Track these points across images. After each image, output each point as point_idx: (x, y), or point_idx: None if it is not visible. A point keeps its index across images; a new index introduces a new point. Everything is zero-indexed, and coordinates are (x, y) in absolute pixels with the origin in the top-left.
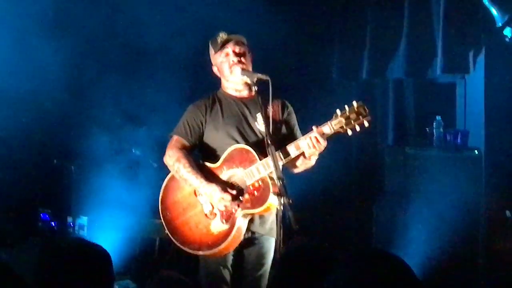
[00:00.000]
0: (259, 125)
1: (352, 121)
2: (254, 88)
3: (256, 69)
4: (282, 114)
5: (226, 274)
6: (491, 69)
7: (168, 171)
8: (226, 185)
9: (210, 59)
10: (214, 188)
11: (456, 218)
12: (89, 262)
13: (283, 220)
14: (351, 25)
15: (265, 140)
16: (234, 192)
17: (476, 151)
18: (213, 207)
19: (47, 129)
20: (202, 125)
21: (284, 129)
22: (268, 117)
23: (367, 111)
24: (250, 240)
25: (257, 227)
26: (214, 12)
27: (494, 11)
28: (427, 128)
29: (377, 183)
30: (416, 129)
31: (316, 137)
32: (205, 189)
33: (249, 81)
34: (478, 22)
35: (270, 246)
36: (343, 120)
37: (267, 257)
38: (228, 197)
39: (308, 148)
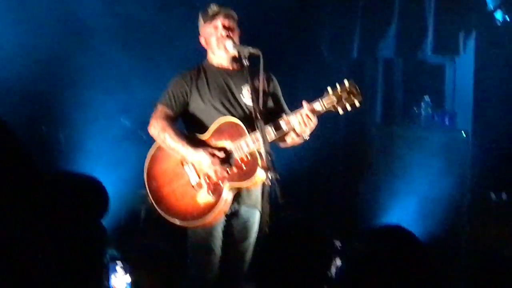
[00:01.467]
0: (245, 97)
1: (344, 100)
2: (246, 62)
3: (246, 43)
4: (268, 86)
5: (215, 245)
6: (481, 52)
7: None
8: (214, 150)
9: (198, 29)
10: (202, 154)
11: (441, 199)
12: (78, 193)
13: (269, 195)
14: (342, 3)
15: (254, 114)
16: (222, 155)
17: (463, 132)
18: (199, 178)
19: (37, 96)
20: (187, 95)
21: (270, 102)
22: (258, 91)
23: (359, 90)
24: (236, 213)
25: (243, 198)
26: None
27: None
28: (415, 108)
29: (364, 161)
30: (404, 108)
31: (307, 114)
32: (193, 156)
33: (237, 55)
34: (470, 4)
35: (255, 219)
36: (335, 99)
37: (251, 230)
38: (217, 160)
39: (298, 126)
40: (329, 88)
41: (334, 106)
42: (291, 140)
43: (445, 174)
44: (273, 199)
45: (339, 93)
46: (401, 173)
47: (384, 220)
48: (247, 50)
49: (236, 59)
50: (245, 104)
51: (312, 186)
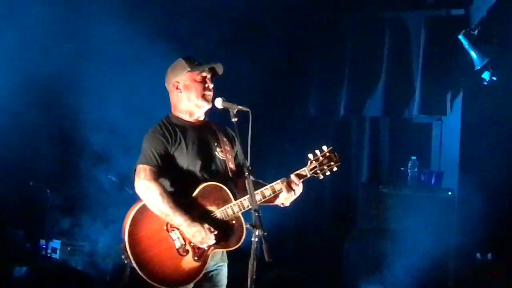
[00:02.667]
0: (218, 153)
1: (325, 167)
2: (234, 119)
3: (235, 100)
4: (234, 142)
5: None
6: (468, 111)
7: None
8: (209, 225)
9: (169, 75)
10: (199, 229)
11: (427, 257)
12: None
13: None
14: (330, 62)
15: (232, 172)
16: (216, 232)
17: (449, 192)
18: (185, 244)
19: (24, 151)
20: (168, 153)
21: (238, 159)
22: (247, 149)
23: (337, 156)
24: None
25: (214, 255)
26: (194, 40)
27: (473, 54)
28: (402, 168)
29: (350, 220)
30: (391, 168)
31: (293, 181)
32: (189, 228)
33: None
34: (457, 64)
35: (224, 271)
36: (317, 165)
37: (222, 284)
38: (212, 237)
39: (285, 192)
40: (310, 155)
41: (316, 172)
42: (272, 204)
43: (431, 233)
44: (258, 256)
45: (321, 159)
46: (387, 232)
47: (369, 279)
48: (236, 107)
49: (205, 113)
50: (220, 159)
51: (298, 244)
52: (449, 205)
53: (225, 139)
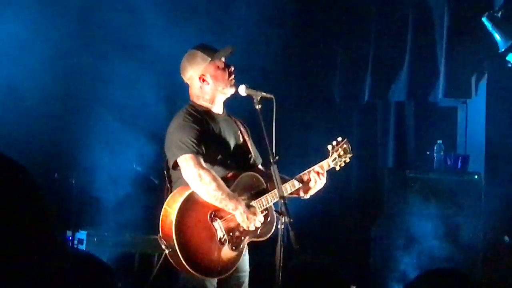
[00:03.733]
0: (242, 143)
1: (342, 158)
2: (258, 106)
3: (260, 86)
4: (249, 134)
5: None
6: (493, 94)
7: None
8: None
9: (189, 68)
10: (253, 211)
11: (454, 242)
12: (94, 276)
13: (282, 239)
14: (354, 47)
15: (253, 159)
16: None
17: (476, 176)
18: (225, 234)
19: (49, 142)
20: (202, 140)
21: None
22: (272, 136)
23: (350, 148)
24: None
25: None
26: (216, 29)
27: (497, 37)
28: (427, 152)
29: (377, 205)
30: (416, 152)
31: (318, 172)
32: (244, 212)
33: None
34: (481, 47)
35: (247, 257)
36: (337, 157)
37: (245, 270)
38: (263, 220)
39: (314, 183)
40: (329, 147)
41: (336, 163)
42: (293, 195)
43: (458, 217)
44: (285, 243)
45: (338, 150)
46: (413, 217)
47: (397, 264)
48: (260, 94)
49: (224, 103)
50: (244, 150)
51: (325, 230)
52: (476, 188)
53: (243, 130)
